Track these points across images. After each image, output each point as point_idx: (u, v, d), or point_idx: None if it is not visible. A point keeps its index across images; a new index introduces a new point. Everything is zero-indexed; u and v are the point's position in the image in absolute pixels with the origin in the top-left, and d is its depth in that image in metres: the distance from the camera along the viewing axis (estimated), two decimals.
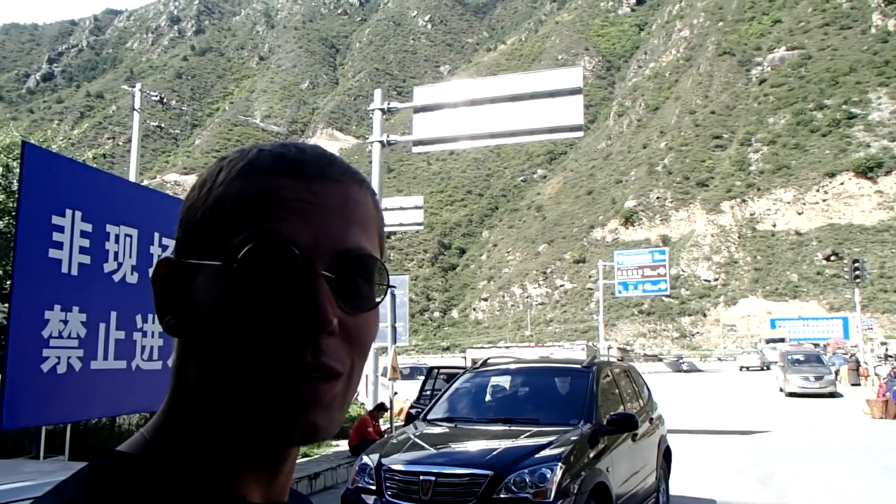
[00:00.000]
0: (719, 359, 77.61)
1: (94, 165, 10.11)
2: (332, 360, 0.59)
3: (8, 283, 7.61)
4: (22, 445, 7.64)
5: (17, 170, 7.03)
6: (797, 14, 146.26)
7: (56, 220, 6.41)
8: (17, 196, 6.75)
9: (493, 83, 15.43)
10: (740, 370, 57.73)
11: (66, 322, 6.49)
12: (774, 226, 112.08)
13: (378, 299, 0.63)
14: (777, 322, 79.41)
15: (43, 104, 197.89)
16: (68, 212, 6.50)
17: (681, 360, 67.67)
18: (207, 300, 0.60)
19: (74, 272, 6.52)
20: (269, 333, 0.58)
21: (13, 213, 7.90)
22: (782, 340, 63.62)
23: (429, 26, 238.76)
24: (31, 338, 6.18)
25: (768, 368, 52.12)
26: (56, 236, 6.38)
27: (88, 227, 6.67)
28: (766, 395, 29.20)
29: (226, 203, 0.62)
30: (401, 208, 22.66)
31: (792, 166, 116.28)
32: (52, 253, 6.36)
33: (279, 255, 0.59)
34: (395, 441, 6.40)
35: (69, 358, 6.50)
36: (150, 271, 0.56)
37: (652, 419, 7.87)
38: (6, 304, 7.47)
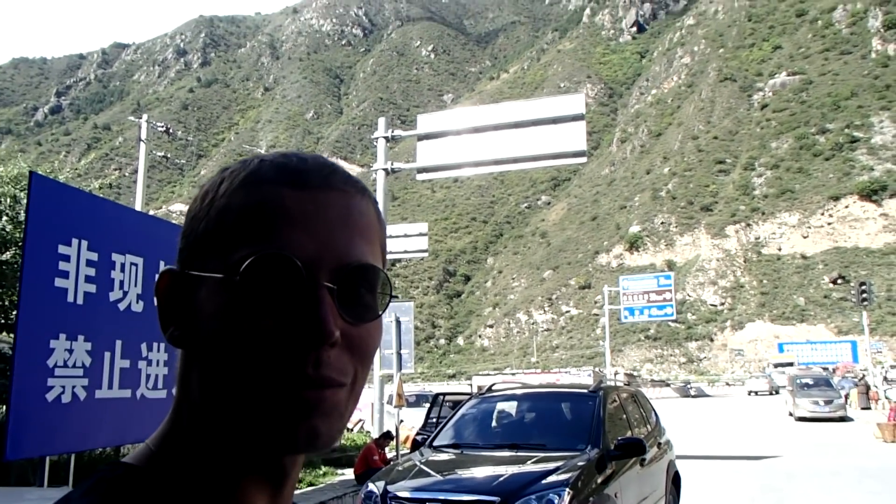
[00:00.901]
0: (727, 383, 76.98)
1: (101, 195, 10.18)
2: (334, 373, 0.59)
3: (14, 312, 7.62)
4: (26, 475, 7.60)
5: (24, 201, 7.08)
6: (797, 40, 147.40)
7: (62, 249, 6.43)
8: (23, 226, 6.78)
9: (496, 110, 15.53)
10: (749, 395, 57.23)
11: (71, 351, 6.49)
12: (780, 249, 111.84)
13: (381, 310, 0.63)
14: (785, 346, 78.81)
15: (51, 136, 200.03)
16: (74, 241, 6.53)
17: (688, 385, 67.14)
18: (210, 312, 0.60)
19: (80, 301, 6.53)
20: (272, 346, 0.58)
21: (19, 244, 7.95)
22: (791, 364, 63.07)
23: (432, 56, 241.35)
24: (36, 367, 6.17)
25: (777, 393, 51.69)
26: (62, 265, 6.40)
27: (94, 256, 6.69)
28: (776, 420, 28.90)
29: (228, 214, 0.61)
30: (405, 235, 22.67)
31: (796, 190, 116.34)
32: (58, 282, 6.37)
33: (281, 267, 0.58)
34: (400, 468, 6.34)
35: (74, 387, 6.48)
36: (155, 282, 0.63)
37: (660, 444, 7.79)
38: (12, 334, 7.48)
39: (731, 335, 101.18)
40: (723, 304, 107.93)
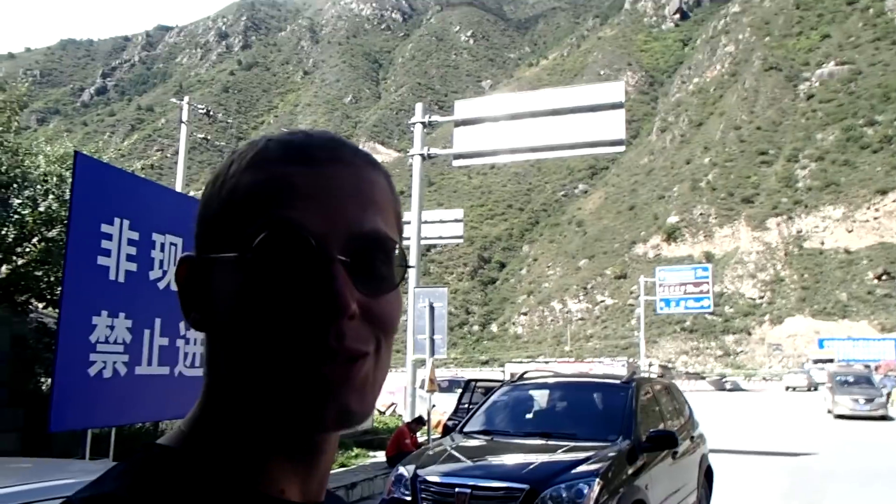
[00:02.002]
0: (764, 378, 75.76)
1: (143, 176, 10.38)
2: (357, 343, 0.59)
3: (58, 289, 7.82)
4: (69, 448, 7.82)
5: (70, 180, 7.25)
6: (847, 29, 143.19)
7: (105, 228, 6.57)
8: (68, 205, 6.95)
9: (534, 97, 15.41)
10: (786, 390, 56.26)
11: (112, 328, 6.64)
12: (823, 243, 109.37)
13: (397, 280, 0.63)
14: (825, 342, 77.22)
15: (96, 117, 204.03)
16: (116, 220, 6.67)
17: (724, 379, 66.27)
18: (227, 292, 0.60)
19: (121, 279, 6.67)
20: (290, 321, 0.58)
21: (65, 222, 8.14)
22: (830, 361, 61.87)
23: (471, 41, 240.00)
24: (79, 343, 6.34)
25: (815, 389, 50.71)
26: (104, 244, 6.54)
27: (135, 236, 6.83)
28: (814, 417, 28.39)
29: (238, 195, 0.62)
30: (440, 221, 22.70)
31: (841, 183, 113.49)
32: (101, 260, 6.52)
33: (293, 242, 0.58)
34: (431, 452, 6.39)
35: (115, 363, 6.64)
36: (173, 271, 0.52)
37: (693, 437, 7.72)
38: (56, 310, 7.69)
39: (770, 329, 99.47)
40: (762, 297, 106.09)
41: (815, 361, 67.57)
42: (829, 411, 28.67)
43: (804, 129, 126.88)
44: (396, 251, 0.63)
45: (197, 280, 0.64)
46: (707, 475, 7.99)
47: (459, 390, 21.95)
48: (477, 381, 16.53)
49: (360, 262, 0.60)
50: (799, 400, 42.87)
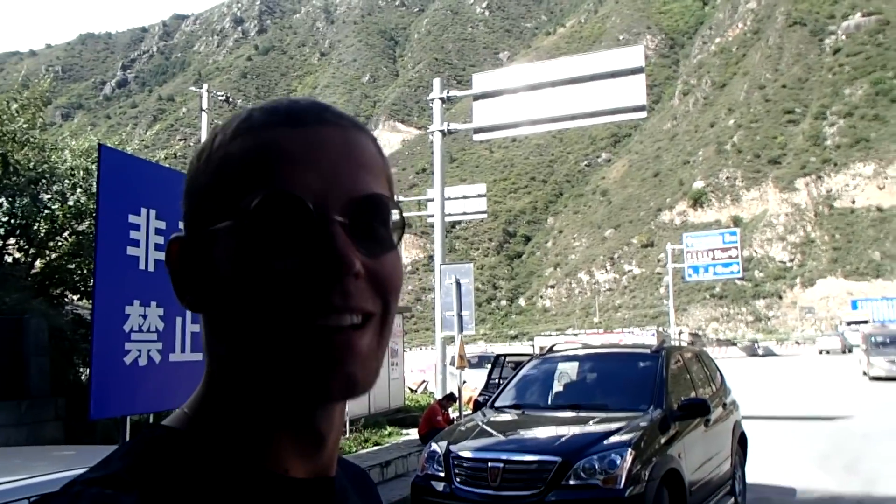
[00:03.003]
0: (797, 342, 74.98)
1: (167, 165, 10.48)
2: (362, 302, 0.58)
3: (91, 280, 7.97)
4: (110, 435, 8.01)
5: (96, 172, 7.35)
6: None
7: (132, 218, 6.65)
8: (95, 197, 7.06)
9: (553, 66, 15.22)
10: (820, 354, 55.70)
11: (145, 317, 6.75)
12: (854, 202, 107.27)
13: (396, 241, 0.62)
14: (859, 303, 76.09)
15: (118, 110, 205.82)
16: (143, 210, 6.74)
17: (756, 345, 65.79)
18: (224, 263, 0.59)
19: (151, 268, 6.76)
20: (292, 284, 0.57)
21: (94, 215, 8.27)
22: (865, 322, 60.96)
23: (486, 13, 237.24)
24: (113, 332, 6.46)
25: (850, 352, 50.12)
26: (133, 234, 6.63)
27: (162, 225, 6.90)
28: (849, 379, 28.09)
29: (227, 165, 0.60)
30: (464, 197, 22.66)
31: (871, 139, 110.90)
32: (130, 250, 6.61)
33: (290, 206, 0.57)
34: (463, 428, 6.44)
35: (149, 351, 6.76)
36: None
37: (725, 404, 7.69)
38: (90, 301, 7.84)
39: (801, 292, 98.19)
40: (792, 260, 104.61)
41: (849, 323, 66.67)
42: (865, 373, 28.34)
43: (831, 85, 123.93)
44: (394, 212, 0.62)
45: (189, 260, 0.62)
46: (741, 442, 7.96)
47: (489, 366, 22.06)
48: (506, 356, 16.57)
49: (359, 223, 0.59)
50: (833, 363, 42.41)
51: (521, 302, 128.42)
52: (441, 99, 15.64)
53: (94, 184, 8.54)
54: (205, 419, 0.62)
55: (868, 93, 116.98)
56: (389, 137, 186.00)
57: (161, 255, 6.84)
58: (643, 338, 44.32)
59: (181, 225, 0.59)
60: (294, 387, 0.57)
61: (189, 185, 0.64)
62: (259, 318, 0.57)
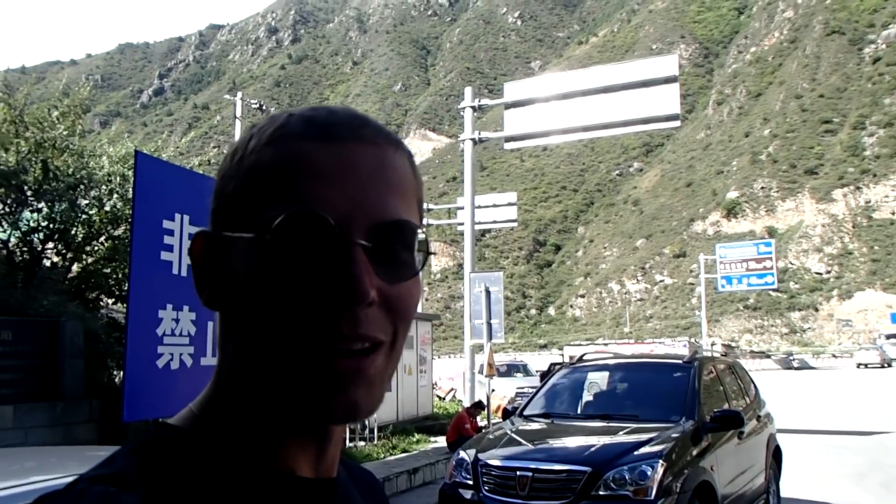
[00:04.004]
0: (834, 355, 73.41)
1: (200, 171, 10.63)
2: (372, 331, 0.58)
3: (126, 284, 8.11)
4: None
5: (132, 179, 7.50)
6: None
7: (166, 224, 6.77)
8: (131, 203, 7.19)
9: (585, 75, 15.16)
10: (857, 367, 54.45)
11: (177, 321, 6.85)
12: (893, 213, 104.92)
13: (419, 267, 0.61)
14: None
15: (155, 118, 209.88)
16: (177, 216, 6.85)
17: (791, 357, 64.55)
18: (241, 273, 0.59)
19: (184, 273, 6.86)
20: (305, 306, 0.56)
21: (129, 220, 8.42)
22: None
23: (518, 22, 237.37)
24: (147, 336, 6.56)
25: (889, 366, 48.96)
26: (167, 239, 6.74)
27: (196, 230, 7.03)
28: (888, 394, 27.40)
29: (257, 172, 0.60)
30: (494, 205, 22.67)
31: None
32: (164, 255, 6.72)
33: (313, 225, 0.57)
34: (491, 437, 6.40)
35: (181, 354, 6.86)
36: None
37: (759, 417, 7.54)
38: (125, 305, 7.97)
39: (838, 305, 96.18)
40: (829, 272, 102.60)
41: (888, 336, 65.09)
42: None
43: (871, 95, 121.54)
44: (418, 237, 0.62)
45: (212, 256, 0.62)
46: (776, 455, 7.79)
47: (519, 375, 21.95)
48: (560, 364, 16.45)
49: (381, 247, 0.58)
50: (872, 377, 41.43)
51: (551, 311, 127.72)
52: (472, 108, 15.67)
53: (131, 189, 8.70)
54: (211, 418, 0.62)
55: None
56: (420, 146, 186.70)
57: None
58: (675, 348, 43.78)
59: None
60: (296, 406, 0.57)
61: (220, 183, 0.63)
62: (269, 332, 0.57)
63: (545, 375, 12.12)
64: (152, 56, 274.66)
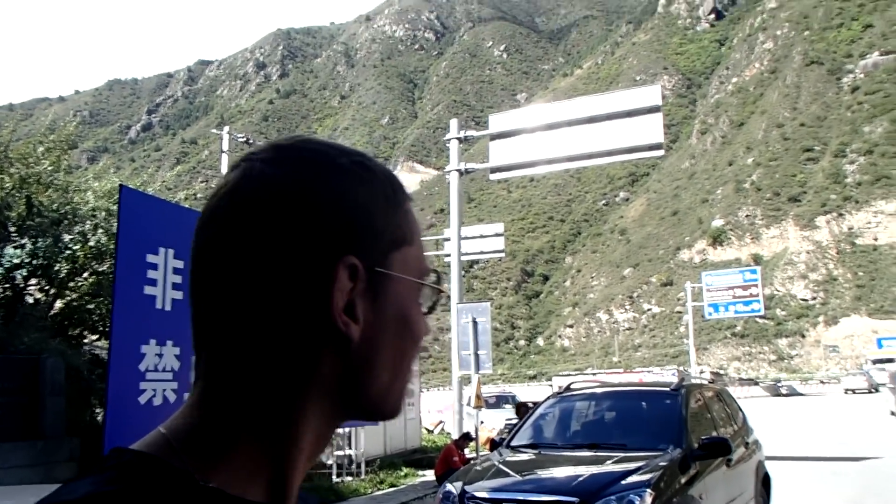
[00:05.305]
0: (822, 381, 73.52)
1: (187, 206, 10.61)
2: None
3: (109, 320, 8.03)
4: None
5: (117, 213, 7.47)
6: (890, 17, 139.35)
7: (150, 258, 6.71)
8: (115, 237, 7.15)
9: (569, 106, 15.34)
10: (845, 393, 54.51)
11: (161, 356, 6.76)
12: (876, 239, 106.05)
13: None
14: (884, 341, 74.54)
15: (143, 153, 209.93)
16: (161, 250, 6.80)
17: (779, 384, 64.59)
18: (399, 309, 0.65)
19: (168, 308, 6.79)
20: (419, 346, 0.68)
21: (114, 255, 8.37)
22: (891, 360, 59.67)
23: (504, 55, 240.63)
24: (129, 372, 6.47)
25: (877, 391, 49.01)
26: (150, 273, 6.68)
27: (180, 264, 6.96)
28: (876, 419, 27.40)
29: (415, 229, 0.69)
30: (481, 236, 22.71)
31: (893, 176, 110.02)
32: (147, 290, 6.65)
33: (439, 290, 0.70)
34: (478, 468, 6.34)
35: (164, 390, 6.76)
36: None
37: (748, 444, 7.51)
38: (108, 341, 7.89)
39: (825, 331, 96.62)
40: (814, 298, 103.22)
41: (875, 362, 65.25)
42: (893, 413, 27.66)
43: (850, 123, 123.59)
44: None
45: (359, 288, 0.62)
46: (765, 483, 7.75)
47: (508, 406, 21.81)
48: (528, 405, 16.30)
49: None
50: (859, 402, 41.47)
51: (540, 342, 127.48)
52: (458, 139, 15.79)
53: (115, 224, 8.67)
54: (198, 447, 0.60)
55: (888, 130, 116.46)
56: (408, 178, 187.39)
57: (178, 294, 6.87)
58: (664, 377, 43.75)
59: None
60: (392, 412, 0.66)
61: (366, 219, 0.64)
62: (397, 363, 0.65)
63: (518, 410, 12.02)
64: (141, 92, 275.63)
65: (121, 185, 7.23)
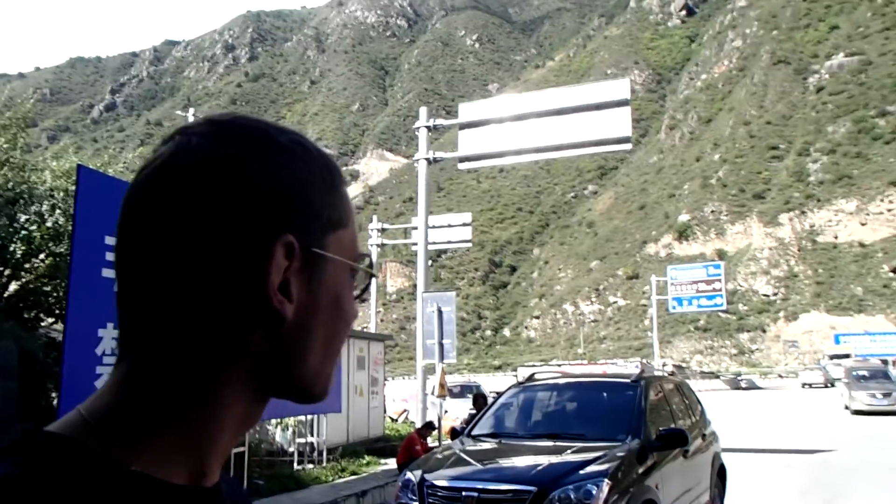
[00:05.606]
0: (780, 376, 75.14)
1: None
2: None
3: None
4: None
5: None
6: (856, 19, 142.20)
7: (108, 239, 6.57)
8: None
9: (539, 97, 15.34)
10: (803, 387, 55.79)
11: (118, 340, 6.65)
12: (836, 237, 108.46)
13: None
14: (841, 337, 76.50)
15: (105, 133, 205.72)
16: None
17: (739, 378, 65.85)
18: (332, 291, 0.66)
19: None
20: (349, 328, 0.68)
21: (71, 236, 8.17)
22: (847, 356, 61.20)
23: (476, 45, 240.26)
24: (85, 355, 6.33)
25: (832, 385, 50.22)
26: (108, 256, 6.54)
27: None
28: (831, 413, 28.09)
29: (350, 212, 0.68)
30: (449, 226, 22.71)
31: (854, 176, 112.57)
32: (105, 272, 6.52)
33: (369, 275, 0.70)
34: (439, 457, 6.34)
35: None
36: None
37: (704, 436, 7.63)
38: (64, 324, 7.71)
39: (785, 326, 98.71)
40: (776, 294, 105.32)
41: (832, 357, 66.91)
42: (847, 407, 28.37)
43: (815, 123, 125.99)
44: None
45: (294, 268, 0.62)
46: (720, 474, 7.89)
47: (471, 395, 21.86)
48: (486, 397, 16.34)
49: None
50: (816, 397, 42.48)
51: (506, 332, 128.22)
52: (427, 127, 15.71)
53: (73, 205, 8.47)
54: (112, 427, 0.58)
55: (851, 130, 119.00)
56: (377, 166, 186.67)
57: None
58: (627, 369, 44.31)
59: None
60: (314, 395, 0.66)
61: (305, 196, 0.63)
62: (330, 343, 0.65)
63: (476, 402, 12.05)
64: (104, 71, 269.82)
65: (79, 166, 7.05)
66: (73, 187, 10.09)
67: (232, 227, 0.59)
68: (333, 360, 0.66)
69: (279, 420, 11.90)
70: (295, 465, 11.47)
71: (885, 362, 47.11)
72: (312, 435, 12.15)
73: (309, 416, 11.77)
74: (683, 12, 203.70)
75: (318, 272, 0.63)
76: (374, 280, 0.70)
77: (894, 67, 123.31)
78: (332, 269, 0.64)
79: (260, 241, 0.59)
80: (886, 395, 26.70)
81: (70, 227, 9.75)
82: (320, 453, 12.05)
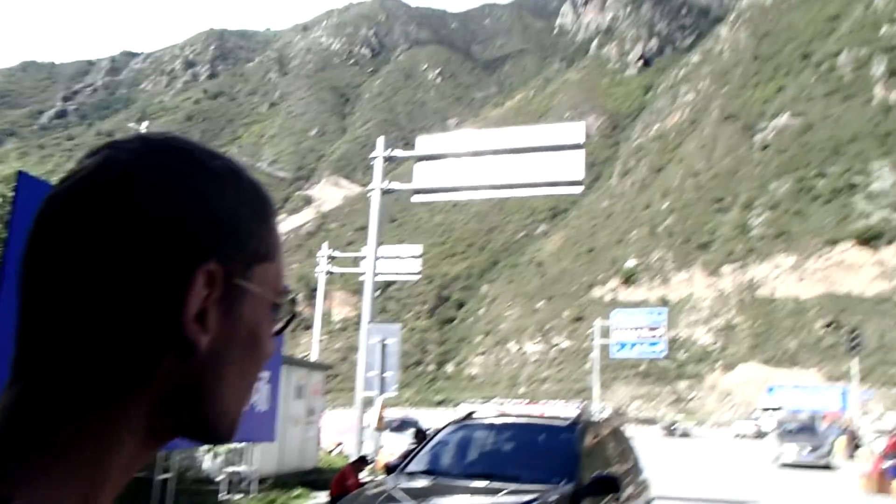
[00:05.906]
0: (715, 425, 76.43)
1: None
2: None
3: None
4: None
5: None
6: (801, 82, 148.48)
7: None
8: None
9: (496, 135, 15.55)
10: (735, 438, 56.86)
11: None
12: (774, 292, 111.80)
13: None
14: (774, 390, 78.40)
15: (53, 141, 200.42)
16: None
17: (674, 426, 66.79)
18: (251, 324, 0.63)
19: None
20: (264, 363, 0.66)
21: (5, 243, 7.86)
22: (779, 409, 62.77)
23: (438, 79, 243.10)
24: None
25: (763, 437, 51.33)
26: None
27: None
28: (760, 465, 28.63)
29: (276, 245, 0.66)
30: (398, 257, 22.64)
31: (793, 233, 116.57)
32: None
33: (291, 309, 0.68)
34: (369, 493, 6.22)
35: None
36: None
37: (637, 483, 7.67)
38: None
39: (722, 376, 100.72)
40: (715, 344, 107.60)
41: (765, 409, 68.43)
42: (776, 459, 28.97)
43: (759, 179, 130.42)
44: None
45: (217, 298, 0.60)
46: None
47: (413, 430, 21.60)
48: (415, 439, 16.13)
49: None
50: (746, 448, 43.29)
51: (449, 368, 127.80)
52: (384, 158, 15.74)
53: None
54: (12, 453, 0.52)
55: (792, 189, 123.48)
56: (332, 192, 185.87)
57: None
58: (567, 410, 44.50)
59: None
60: (230, 434, 0.63)
61: (230, 225, 0.61)
62: (243, 379, 0.63)
63: (417, 436, 11.90)
64: (58, 77, 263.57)
65: (19, 172, 6.83)
66: (12, 194, 9.77)
67: (151, 250, 0.56)
68: (244, 399, 0.63)
69: (210, 447, 11.56)
70: (223, 494, 11.12)
71: (814, 417, 48.44)
72: (242, 463, 11.82)
73: (240, 444, 11.46)
74: (640, 62, 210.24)
75: (239, 304, 0.61)
76: (294, 318, 0.68)
77: (834, 131, 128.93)
78: (253, 303, 0.62)
79: (180, 267, 0.57)
80: (814, 450, 27.37)
81: (5, 235, 9.42)
82: (249, 483, 11.72)
